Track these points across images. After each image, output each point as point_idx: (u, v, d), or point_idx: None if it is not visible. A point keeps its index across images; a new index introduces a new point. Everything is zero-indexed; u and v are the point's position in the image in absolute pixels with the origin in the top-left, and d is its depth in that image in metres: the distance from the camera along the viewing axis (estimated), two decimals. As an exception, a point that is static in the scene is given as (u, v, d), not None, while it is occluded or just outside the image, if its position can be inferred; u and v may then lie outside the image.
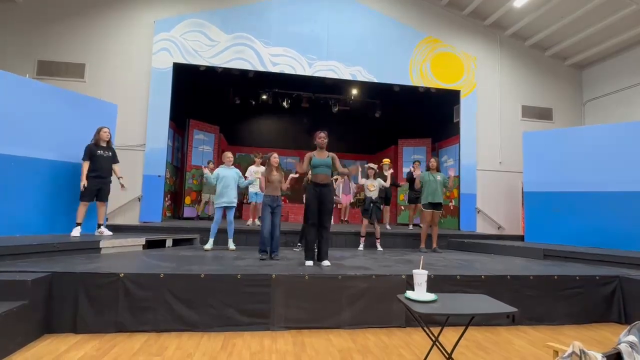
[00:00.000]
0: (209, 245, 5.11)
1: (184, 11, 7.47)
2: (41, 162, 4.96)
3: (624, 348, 1.33)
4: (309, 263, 3.95)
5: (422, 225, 6.12)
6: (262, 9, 7.66)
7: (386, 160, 7.36)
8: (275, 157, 4.65)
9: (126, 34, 7.32)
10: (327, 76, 7.81)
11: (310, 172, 4.24)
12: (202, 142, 8.99)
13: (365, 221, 5.87)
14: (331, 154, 4.23)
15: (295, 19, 7.75)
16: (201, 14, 7.44)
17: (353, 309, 3.28)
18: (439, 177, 5.85)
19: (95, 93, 6.60)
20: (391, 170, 6.72)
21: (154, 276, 3.07)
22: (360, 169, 4.04)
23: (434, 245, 5.92)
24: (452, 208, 8.58)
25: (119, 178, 5.17)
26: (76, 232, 4.78)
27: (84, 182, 4.83)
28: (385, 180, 6.14)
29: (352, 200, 9.08)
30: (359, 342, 2.93)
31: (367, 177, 6.03)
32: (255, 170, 6.56)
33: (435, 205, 5.80)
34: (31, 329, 2.69)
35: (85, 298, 2.92)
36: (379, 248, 5.90)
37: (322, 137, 4.21)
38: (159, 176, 7.03)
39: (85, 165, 4.87)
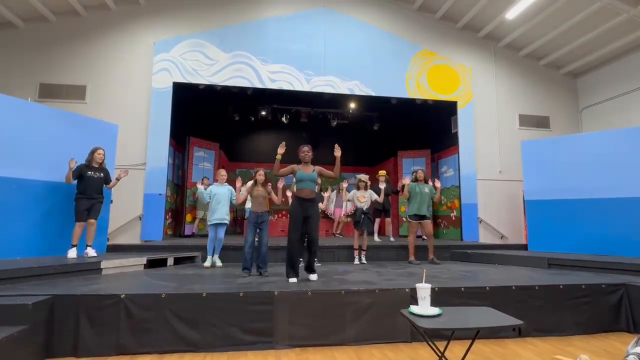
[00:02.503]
0: (208, 263, 5.12)
1: (183, 32, 7.63)
2: (43, 184, 4.98)
3: (632, 360, 1.30)
4: (293, 280, 3.83)
5: (409, 236, 5.94)
6: (260, 28, 7.81)
7: (382, 172, 7.28)
8: (260, 174, 4.60)
9: (126, 55, 7.45)
10: (325, 91, 7.91)
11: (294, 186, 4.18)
12: (203, 159, 9.03)
13: (357, 233, 5.73)
14: (316, 167, 4.15)
15: (293, 36, 7.89)
16: (200, 34, 7.59)
17: (357, 325, 3.23)
18: (426, 189, 5.80)
19: (96, 114, 6.68)
20: (382, 186, 6.60)
21: (155, 296, 3.04)
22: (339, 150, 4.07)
23: (431, 256, 5.84)
24: (453, 218, 8.54)
25: (117, 179, 5.17)
26: (72, 253, 4.70)
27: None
28: (379, 194, 5.96)
29: (344, 214, 8.98)
30: (364, 358, 2.88)
31: (358, 188, 5.82)
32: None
33: (421, 217, 5.75)
34: (32, 354, 2.65)
35: (86, 320, 2.88)
36: (363, 261, 5.77)
37: (305, 151, 4.12)
38: (160, 194, 7.04)
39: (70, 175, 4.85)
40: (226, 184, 5.30)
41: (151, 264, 5.03)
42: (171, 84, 7.33)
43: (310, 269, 4.09)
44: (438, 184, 5.90)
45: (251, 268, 4.40)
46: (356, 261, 5.80)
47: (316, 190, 4.31)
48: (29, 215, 4.83)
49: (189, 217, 8.49)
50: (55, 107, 5.92)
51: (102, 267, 4.35)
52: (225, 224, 5.18)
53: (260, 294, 3.20)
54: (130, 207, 6.83)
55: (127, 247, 5.94)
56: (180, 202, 8.64)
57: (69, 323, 2.88)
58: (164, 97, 7.27)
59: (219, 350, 2.97)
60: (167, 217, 7.62)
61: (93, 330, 2.88)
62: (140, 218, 6.93)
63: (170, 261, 5.36)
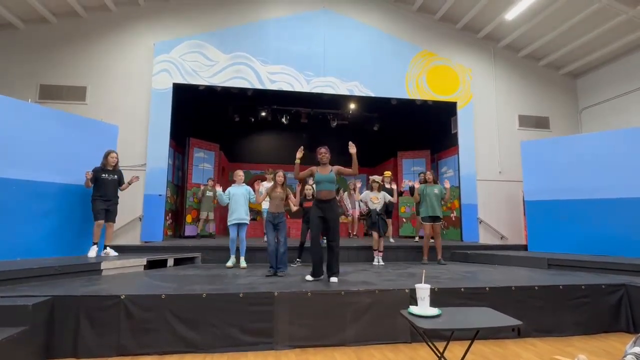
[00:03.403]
0: (230, 263, 5.21)
1: (183, 33, 7.64)
2: (43, 185, 4.99)
3: (630, 360, 1.31)
4: (309, 278, 3.97)
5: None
6: (259, 29, 7.82)
7: (387, 173, 7.31)
8: (280, 176, 4.70)
9: (127, 56, 7.46)
10: (324, 92, 7.91)
11: (310, 187, 4.23)
12: (203, 160, 9.03)
13: (376, 235, 5.74)
14: (334, 167, 4.20)
15: (292, 37, 7.90)
16: (199, 35, 7.60)
17: (357, 325, 3.24)
18: (436, 190, 5.88)
19: (97, 115, 6.69)
20: (394, 186, 6.74)
21: (156, 297, 3.04)
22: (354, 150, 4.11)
23: (438, 257, 5.89)
24: (453, 219, 8.55)
25: (129, 183, 5.36)
26: (93, 252, 4.87)
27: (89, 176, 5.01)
28: (392, 194, 6.07)
29: (357, 215, 9.05)
30: (364, 359, 2.88)
31: (371, 189, 5.90)
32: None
33: (434, 219, 5.82)
34: (32, 355, 2.66)
35: (86, 322, 2.89)
36: (381, 262, 5.80)
37: (322, 152, 4.18)
38: (160, 195, 7.04)
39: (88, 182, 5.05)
40: (244, 184, 5.37)
41: (151, 265, 5.03)
42: (171, 85, 7.34)
43: (332, 273, 3.99)
44: (448, 184, 5.98)
45: (275, 266, 4.49)
46: (375, 262, 5.80)
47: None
48: (30, 216, 4.83)
49: (189, 218, 8.49)
50: (56, 108, 5.93)
51: (102, 268, 4.36)
52: (245, 223, 5.21)
53: (260, 295, 3.20)
54: (130, 208, 6.83)
55: (127, 248, 5.94)
56: (180, 203, 8.64)
57: (69, 324, 2.88)
58: (164, 98, 7.28)
59: (219, 351, 2.98)
60: (167, 218, 7.62)
61: (93, 331, 2.89)
62: (140, 219, 6.93)
63: (170, 262, 5.37)
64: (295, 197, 4.79)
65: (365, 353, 3.01)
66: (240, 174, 5.40)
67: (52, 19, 7.26)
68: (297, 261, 5.61)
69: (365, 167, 12.03)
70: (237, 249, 5.27)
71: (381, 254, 5.84)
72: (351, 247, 6.30)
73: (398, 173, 10.01)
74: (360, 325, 3.24)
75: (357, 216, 9.00)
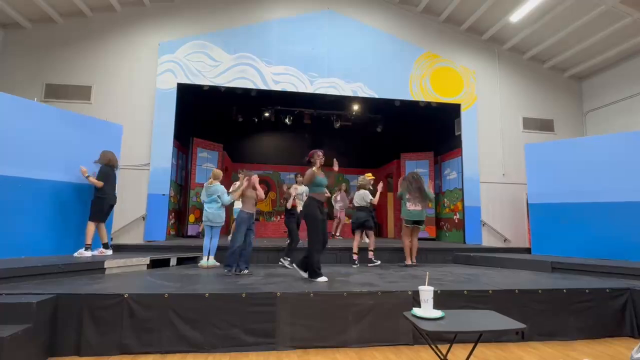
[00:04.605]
0: (202, 263, 5.17)
1: (187, 33, 7.67)
2: (48, 183, 5.02)
3: (636, 365, 1.30)
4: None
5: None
6: (263, 29, 7.85)
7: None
8: (255, 177, 4.79)
9: (131, 56, 7.50)
10: (328, 93, 7.92)
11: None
12: (206, 160, 9.06)
13: (357, 237, 5.88)
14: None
15: (296, 38, 7.92)
16: (204, 35, 7.63)
17: (359, 327, 3.23)
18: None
19: (101, 114, 6.73)
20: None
21: (159, 296, 3.05)
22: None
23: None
24: (456, 221, 8.52)
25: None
26: (108, 252, 4.89)
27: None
28: (374, 195, 6.00)
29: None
30: (366, 361, 2.87)
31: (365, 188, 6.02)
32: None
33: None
34: (35, 353, 2.67)
35: (89, 320, 2.90)
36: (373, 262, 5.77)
37: (320, 155, 4.32)
38: (164, 195, 7.06)
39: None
40: (215, 183, 5.30)
41: (154, 264, 5.05)
42: (175, 85, 7.37)
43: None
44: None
45: (235, 266, 4.49)
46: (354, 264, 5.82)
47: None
48: (34, 214, 4.86)
49: (192, 218, 8.52)
50: (61, 108, 5.97)
51: (105, 266, 4.37)
52: (212, 224, 5.17)
53: (262, 295, 3.20)
54: (133, 207, 6.86)
55: (130, 247, 5.97)
56: (183, 203, 8.67)
57: (72, 322, 2.89)
58: (168, 98, 7.31)
59: (221, 351, 2.98)
60: (171, 217, 7.64)
61: (96, 329, 2.89)
62: (143, 218, 6.96)
63: (173, 261, 5.38)
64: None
65: (367, 355, 3.00)
66: (213, 174, 5.38)
67: (58, 18, 7.31)
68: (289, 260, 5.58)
69: (368, 168, 12.01)
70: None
71: (371, 253, 5.81)
72: (337, 247, 6.27)
73: (401, 175, 9.98)
74: (363, 326, 3.23)
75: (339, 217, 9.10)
